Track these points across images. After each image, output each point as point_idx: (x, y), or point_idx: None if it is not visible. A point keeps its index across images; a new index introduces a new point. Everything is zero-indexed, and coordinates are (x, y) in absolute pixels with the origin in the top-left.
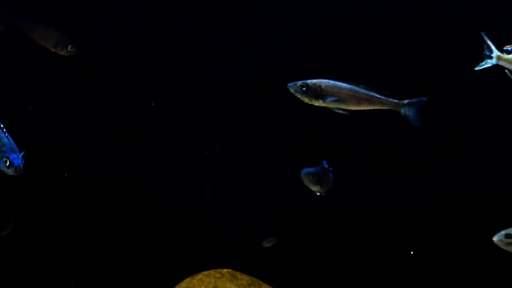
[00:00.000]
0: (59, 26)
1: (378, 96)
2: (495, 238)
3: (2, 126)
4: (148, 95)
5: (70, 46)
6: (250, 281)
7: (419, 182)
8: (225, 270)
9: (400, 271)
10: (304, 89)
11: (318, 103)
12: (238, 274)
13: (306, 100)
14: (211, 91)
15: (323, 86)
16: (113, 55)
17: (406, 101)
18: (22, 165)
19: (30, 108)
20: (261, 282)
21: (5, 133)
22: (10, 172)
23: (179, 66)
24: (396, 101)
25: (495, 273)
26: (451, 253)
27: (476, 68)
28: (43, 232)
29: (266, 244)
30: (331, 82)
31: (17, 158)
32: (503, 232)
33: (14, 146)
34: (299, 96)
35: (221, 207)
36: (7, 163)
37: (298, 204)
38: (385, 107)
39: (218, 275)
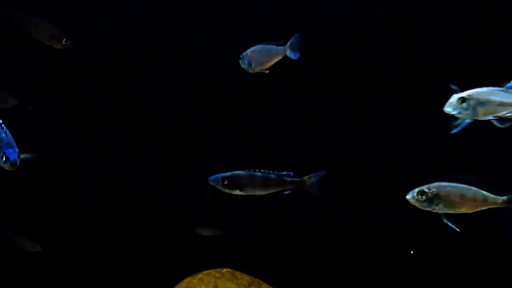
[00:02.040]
0: (61, 24)
1: (286, 179)
2: (408, 196)
3: (0, 122)
4: (148, 95)
5: (65, 39)
6: (250, 281)
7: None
8: (225, 270)
9: (400, 270)
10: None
11: (237, 192)
12: (238, 273)
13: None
14: (211, 91)
15: (240, 179)
16: (113, 54)
17: (307, 177)
18: (18, 160)
19: (30, 108)
20: (261, 282)
21: (3, 129)
22: (6, 167)
23: (179, 66)
24: (298, 180)
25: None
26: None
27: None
28: (43, 232)
29: (205, 233)
30: (247, 173)
31: (13, 153)
32: (416, 189)
33: (12, 141)
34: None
35: (221, 207)
36: (3, 158)
37: (298, 204)
38: (292, 187)
39: (218, 275)
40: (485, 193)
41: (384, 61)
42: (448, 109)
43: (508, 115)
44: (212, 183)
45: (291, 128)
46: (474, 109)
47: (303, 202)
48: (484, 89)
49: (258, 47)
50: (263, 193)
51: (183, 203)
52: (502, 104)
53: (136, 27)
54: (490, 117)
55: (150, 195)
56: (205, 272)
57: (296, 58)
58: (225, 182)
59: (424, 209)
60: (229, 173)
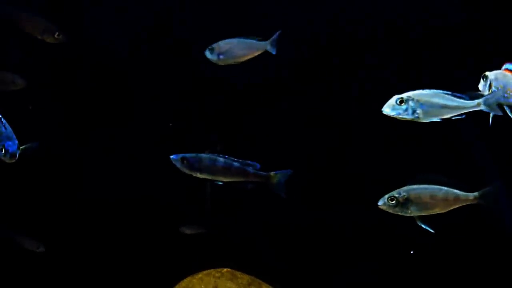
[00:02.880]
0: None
1: (248, 169)
2: (380, 203)
3: (0, 116)
4: (148, 94)
5: (57, 33)
6: (250, 281)
7: None
8: (225, 270)
9: (400, 270)
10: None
11: (197, 175)
12: (238, 273)
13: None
14: (211, 90)
15: (201, 161)
16: (112, 53)
17: (273, 173)
18: (17, 152)
19: (30, 107)
20: (261, 282)
21: (2, 122)
22: (6, 159)
23: (179, 65)
24: (264, 174)
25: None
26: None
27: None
28: (43, 232)
29: (188, 231)
30: (209, 156)
31: (13, 145)
32: (386, 196)
33: (11, 134)
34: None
35: (221, 207)
36: (2, 150)
37: (298, 204)
38: (255, 179)
39: (218, 275)
40: (456, 191)
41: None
42: (386, 109)
43: (454, 118)
44: (173, 162)
45: (291, 128)
46: (414, 110)
47: (303, 202)
48: (427, 91)
49: (234, 39)
50: (224, 179)
51: (183, 203)
52: (445, 107)
53: (135, 26)
54: (435, 119)
55: (150, 195)
56: (205, 272)
57: (274, 53)
58: (185, 162)
59: (398, 213)
60: (191, 154)
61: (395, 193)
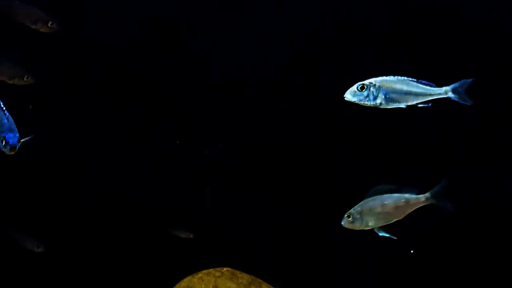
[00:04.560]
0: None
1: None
2: (342, 223)
3: (3, 107)
4: (148, 93)
5: (50, 23)
6: (250, 280)
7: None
8: (225, 269)
9: (399, 270)
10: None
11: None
12: (238, 273)
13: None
14: (211, 89)
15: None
16: (113, 52)
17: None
18: (18, 144)
19: (30, 107)
20: (261, 281)
21: (5, 114)
22: (6, 151)
23: (179, 64)
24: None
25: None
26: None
27: None
28: (42, 232)
29: (181, 235)
30: None
31: (13, 137)
32: (345, 214)
33: (13, 126)
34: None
35: (221, 206)
36: (3, 142)
37: (298, 203)
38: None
39: (218, 274)
40: (407, 195)
41: None
42: (348, 96)
43: (420, 105)
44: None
45: (292, 127)
46: (375, 96)
47: (302, 201)
48: (391, 77)
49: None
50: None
51: (183, 202)
52: (409, 93)
53: (137, 24)
54: (399, 105)
55: (151, 195)
56: (205, 271)
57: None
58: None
59: (359, 229)
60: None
61: (351, 210)
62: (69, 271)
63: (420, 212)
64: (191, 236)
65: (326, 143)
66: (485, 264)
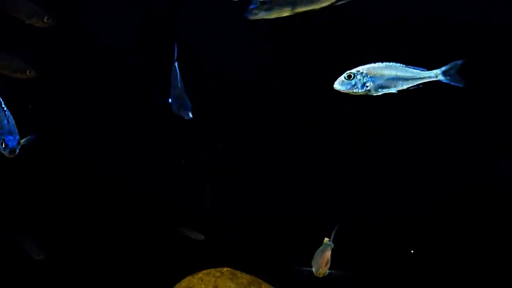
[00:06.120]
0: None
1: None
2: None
3: (4, 108)
4: (148, 93)
5: (46, 17)
6: (250, 280)
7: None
8: (225, 269)
9: (399, 270)
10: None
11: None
12: (238, 273)
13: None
14: (210, 90)
15: None
16: (112, 51)
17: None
18: (17, 147)
19: (30, 106)
20: (261, 281)
21: (6, 115)
22: (5, 154)
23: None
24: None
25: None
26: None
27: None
28: (42, 232)
29: (194, 236)
30: None
31: (13, 140)
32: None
33: (13, 128)
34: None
35: (221, 206)
36: (3, 144)
37: (298, 203)
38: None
39: (218, 274)
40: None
41: None
42: (336, 86)
43: (411, 88)
44: None
45: (292, 127)
46: (363, 84)
47: (302, 200)
48: (378, 63)
49: None
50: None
51: (183, 202)
52: (398, 78)
53: (135, 24)
54: (390, 90)
55: (151, 195)
56: (205, 271)
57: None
58: None
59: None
60: None
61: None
62: (70, 271)
63: (420, 212)
64: (202, 238)
65: (326, 143)
66: (485, 260)
